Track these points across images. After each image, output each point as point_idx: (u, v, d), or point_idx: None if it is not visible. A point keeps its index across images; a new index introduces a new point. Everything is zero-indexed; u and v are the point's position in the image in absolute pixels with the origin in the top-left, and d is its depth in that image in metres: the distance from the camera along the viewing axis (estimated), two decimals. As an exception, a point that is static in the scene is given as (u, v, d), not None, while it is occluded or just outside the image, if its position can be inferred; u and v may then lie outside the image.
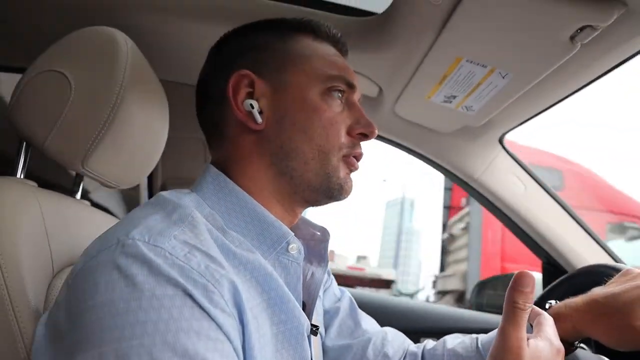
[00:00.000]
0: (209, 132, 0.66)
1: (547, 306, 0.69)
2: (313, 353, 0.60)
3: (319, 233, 0.68)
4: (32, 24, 0.97)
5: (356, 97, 0.67)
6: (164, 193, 0.57)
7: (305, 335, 0.57)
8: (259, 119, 0.60)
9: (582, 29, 0.69)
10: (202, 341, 0.42)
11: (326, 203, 0.64)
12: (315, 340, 0.66)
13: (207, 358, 0.41)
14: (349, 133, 0.63)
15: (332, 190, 0.62)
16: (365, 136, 0.64)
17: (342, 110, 0.63)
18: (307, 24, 0.65)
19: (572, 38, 0.71)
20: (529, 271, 0.49)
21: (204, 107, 0.66)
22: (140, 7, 0.91)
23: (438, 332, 1.37)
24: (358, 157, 0.64)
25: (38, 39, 0.82)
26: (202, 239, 0.49)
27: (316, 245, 0.68)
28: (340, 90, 0.63)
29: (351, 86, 0.65)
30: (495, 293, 1.67)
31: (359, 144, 0.64)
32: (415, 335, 1.37)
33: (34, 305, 0.56)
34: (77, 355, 0.41)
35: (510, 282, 0.50)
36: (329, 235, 0.68)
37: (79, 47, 0.71)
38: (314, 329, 0.60)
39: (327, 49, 0.66)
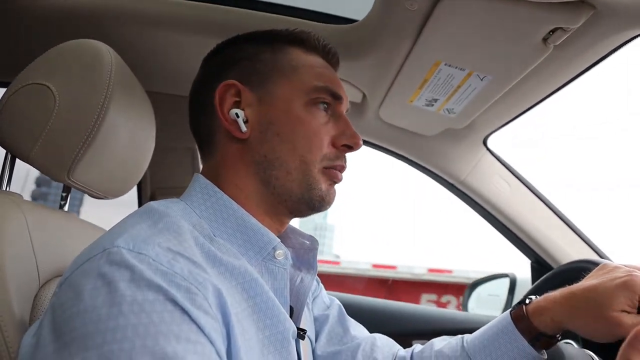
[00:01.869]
0: (200, 141, 0.67)
1: (527, 301, 0.70)
2: (302, 357, 0.60)
3: (307, 242, 0.70)
4: (16, 38, 0.98)
5: (344, 108, 0.68)
6: (152, 203, 0.58)
7: (291, 339, 0.57)
8: (243, 127, 0.61)
9: (553, 31, 0.71)
10: (182, 344, 0.42)
11: (309, 214, 0.65)
12: (304, 345, 0.66)
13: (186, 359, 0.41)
14: (333, 144, 0.64)
15: (313, 201, 0.62)
16: (350, 147, 0.65)
17: (327, 122, 0.64)
18: (297, 35, 0.67)
19: (544, 40, 0.73)
20: None
21: (195, 117, 0.67)
22: (125, 20, 0.92)
23: (429, 334, 1.38)
24: (340, 170, 0.65)
25: (22, 53, 0.83)
26: (186, 246, 0.50)
27: (305, 253, 0.69)
28: (325, 102, 0.64)
29: (337, 97, 0.65)
30: (486, 294, 1.68)
31: (343, 156, 0.65)
32: (406, 337, 1.37)
33: (19, 316, 0.56)
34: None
35: (628, 339, 0.46)
36: (317, 244, 0.70)
37: (63, 60, 0.72)
38: (301, 332, 0.61)
39: (315, 60, 0.67)
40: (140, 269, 0.44)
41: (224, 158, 0.63)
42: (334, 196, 0.65)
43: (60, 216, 0.76)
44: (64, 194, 0.86)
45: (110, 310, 0.42)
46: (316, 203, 0.63)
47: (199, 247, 0.53)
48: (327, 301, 0.85)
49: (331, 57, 0.70)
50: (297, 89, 0.63)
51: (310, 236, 0.70)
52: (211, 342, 0.45)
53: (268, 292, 0.56)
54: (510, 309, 0.72)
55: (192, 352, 0.42)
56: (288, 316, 0.58)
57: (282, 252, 0.60)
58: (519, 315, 0.69)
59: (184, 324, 0.43)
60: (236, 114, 0.61)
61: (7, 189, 0.72)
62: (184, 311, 0.44)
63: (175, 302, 0.44)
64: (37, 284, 0.63)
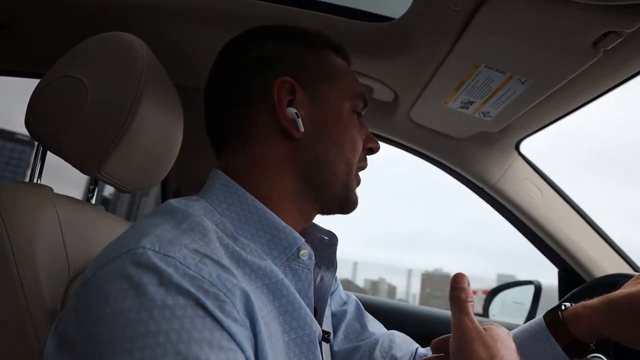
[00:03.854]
0: (227, 134, 0.64)
1: (562, 308, 0.67)
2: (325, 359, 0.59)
3: (326, 237, 0.68)
4: (49, 31, 0.98)
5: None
6: (172, 201, 0.56)
7: (317, 342, 0.56)
8: (302, 127, 0.60)
9: (605, 34, 0.67)
10: (214, 351, 0.41)
11: (336, 213, 0.67)
12: (326, 347, 0.65)
13: None
14: (362, 148, 0.67)
15: (348, 202, 0.65)
16: (372, 151, 0.69)
17: (359, 126, 0.66)
18: (332, 39, 0.67)
19: (595, 44, 0.69)
20: (461, 272, 0.57)
21: (223, 108, 0.64)
22: (156, 13, 0.91)
23: (435, 336, 1.35)
24: (363, 169, 0.69)
25: (55, 45, 0.83)
26: (212, 248, 0.49)
27: (324, 249, 0.67)
28: (358, 107, 0.66)
29: (367, 104, 0.69)
30: (509, 300, 1.65)
31: (366, 158, 0.69)
32: (424, 340, 1.35)
33: (50, 309, 0.56)
34: None
35: (451, 284, 0.56)
36: (337, 240, 0.67)
37: (96, 52, 0.71)
38: (326, 335, 0.60)
39: (348, 67, 0.68)
40: (168, 273, 0.43)
41: (265, 154, 0.61)
42: (358, 198, 0.67)
43: (89, 209, 0.75)
44: (91, 187, 0.86)
45: (140, 315, 0.41)
46: (350, 204, 0.65)
47: (224, 247, 0.51)
48: (344, 297, 0.84)
49: (351, 64, 0.72)
50: (344, 93, 0.64)
51: (330, 231, 0.68)
52: (242, 350, 0.44)
53: (294, 294, 0.54)
54: (544, 315, 0.70)
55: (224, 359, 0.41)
56: (314, 318, 0.56)
57: (307, 252, 0.59)
58: (554, 320, 0.67)
59: (215, 331, 0.42)
60: (296, 113, 0.60)
61: (39, 182, 0.72)
62: (215, 319, 0.43)
63: (205, 309, 0.42)
64: (68, 277, 0.63)
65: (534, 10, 0.66)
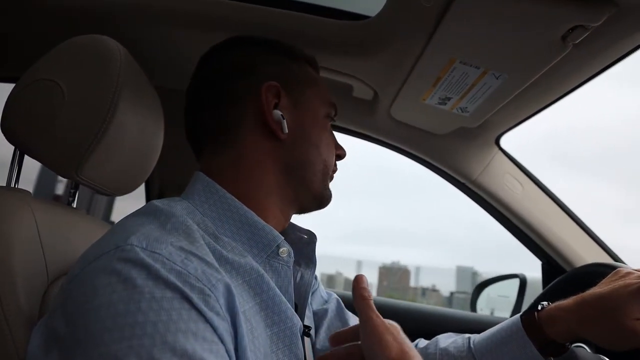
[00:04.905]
0: (208, 135, 0.66)
1: (539, 307, 0.69)
2: (306, 354, 0.60)
3: (305, 236, 0.70)
4: (25, 34, 0.97)
5: None
6: (155, 202, 0.58)
7: (299, 335, 0.58)
8: (286, 129, 0.64)
9: (573, 29, 0.69)
10: (199, 342, 0.43)
11: (313, 210, 0.71)
12: (307, 341, 0.66)
13: (205, 358, 0.42)
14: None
15: (324, 199, 0.70)
16: (340, 157, 0.74)
17: (330, 132, 0.73)
18: (308, 54, 0.74)
19: (563, 38, 0.71)
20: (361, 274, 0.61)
21: (206, 110, 0.66)
22: (134, 15, 0.91)
23: (435, 333, 1.37)
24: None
25: (31, 49, 0.83)
26: (197, 246, 0.50)
27: (303, 247, 0.69)
28: (331, 117, 0.72)
29: (337, 112, 0.74)
30: (495, 294, 1.66)
31: (336, 163, 0.74)
32: (412, 337, 1.36)
33: (27, 313, 0.56)
34: (77, 357, 0.42)
35: (353, 284, 0.59)
36: (316, 238, 0.70)
37: (72, 55, 0.71)
38: (306, 329, 0.61)
39: (320, 78, 0.74)
40: (156, 268, 0.45)
41: (249, 154, 0.64)
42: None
43: (68, 213, 0.75)
44: (72, 191, 0.86)
45: (128, 306, 0.42)
46: (325, 201, 0.70)
47: (206, 246, 0.52)
48: (325, 296, 0.86)
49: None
50: (321, 100, 0.70)
51: (309, 230, 0.71)
52: (223, 343, 0.46)
53: (275, 289, 0.56)
54: (521, 314, 0.72)
55: (208, 351, 0.43)
56: (295, 312, 0.58)
57: (286, 250, 0.61)
58: (530, 321, 0.70)
59: (200, 323, 0.44)
60: (281, 115, 0.63)
61: (16, 186, 0.72)
62: (199, 312, 0.44)
63: (191, 302, 0.44)
64: (46, 281, 0.62)
65: (503, 5, 0.67)
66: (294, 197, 0.66)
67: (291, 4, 0.88)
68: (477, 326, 1.42)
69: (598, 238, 1.26)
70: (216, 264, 0.50)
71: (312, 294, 0.83)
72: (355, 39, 0.88)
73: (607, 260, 1.23)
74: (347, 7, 0.88)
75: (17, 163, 0.72)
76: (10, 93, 0.69)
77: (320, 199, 0.69)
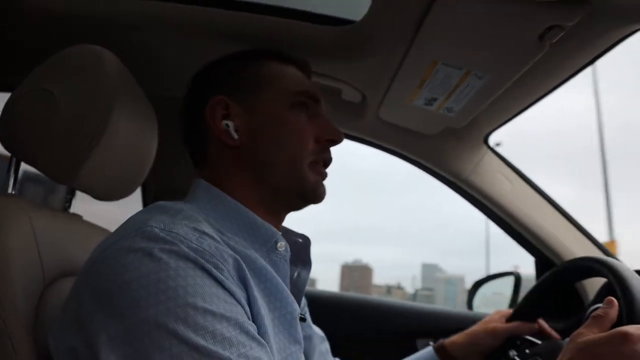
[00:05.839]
0: (195, 152, 0.75)
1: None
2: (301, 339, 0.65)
3: (300, 240, 0.74)
4: (20, 44, 1.00)
5: (323, 108, 0.76)
6: (161, 202, 0.63)
7: (297, 319, 0.63)
8: (234, 135, 0.68)
9: (549, 28, 0.71)
10: (222, 303, 0.49)
11: (305, 206, 0.73)
12: (302, 326, 0.71)
13: (230, 316, 0.49)
14: (317, 141, 0.71)
15: (306, 194, 0.70)
16: (334, 141, 0.73)
17: (309, 122, 0.72)
18: (272, 49, 0.77)
19: (541, 38, 0.73)
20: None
21: (188, 132, 0.75)
22: (126, 25, 0.93)
23: (433, 332, 1.39)
24: (327, 162, 0.74)
25: (27, 59, 0.85)
26: (207, 229, 0.57)
27: (299, 250, 0.73)
28: (305, 104, 0.72)
29: (316, 100, 0.74)
30: (490, 292, 1.68)
31: (328, 150, 0.73)
32: (410, 336, 1.38)
33: (23, 316, 0.58)
34: (116, 324, 0.46)
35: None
36: (310, 241, 0.74)
37: (66, 65, 0.73)
38: (302, 316, 0.66)
39: (290, 69, 0.75)
40: (175, 244, 0.51)
41: (220, 165, 0.70)
42: (324, 190, 0.73)
43: (65, 218, 0.77)
44: (68, 197, 0.88)
45: (158, 276, 0.48)
46: (309, 195, 0.71)
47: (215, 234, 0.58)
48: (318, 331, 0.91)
49: (303, 65, 0.79)
50: (278, 95, 0.71)
51: (303, 235, 0.75)
52: (242, 306, 0.53)
53: (276, 277, 0.61)
54: (432, 344, 1.00)
55: (230, 311, 0.50)
56: (294, 298, 0.63)
57: (283, 245, 0.66)
58: (440, 347, 0.99)
59: (220, 289, 0.51)
60: (226, 124, 0.68)
61: (13, 192, 0.74)
62: (217, 280, 0.51)
63: (209, 273, 0.51)
64: (42, 284, 0.64)
65: (481, 6, 0.69)
66: (273, 196, 0.70)
67: (278, 11, 0.90)
68: (474, 324, 1.45)
69: (588, 233, 1.28)
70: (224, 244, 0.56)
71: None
72: (341, 44, 0.91)
73: (598, 254, 1.25)
74: (333, 12, 0.90)
75: (13, 170, 0.74)
76: (7, 102, 0.71)
77: (302, 195, 0.70)
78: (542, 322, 0.92)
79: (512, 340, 0.95)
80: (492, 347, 0.95)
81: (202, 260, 0.51)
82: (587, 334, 0.53)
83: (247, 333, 0.50)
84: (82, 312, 0.50)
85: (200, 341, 0.45)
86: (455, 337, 0.98)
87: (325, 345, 0.88)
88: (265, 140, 0.69)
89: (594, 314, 0.56)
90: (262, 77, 0.72)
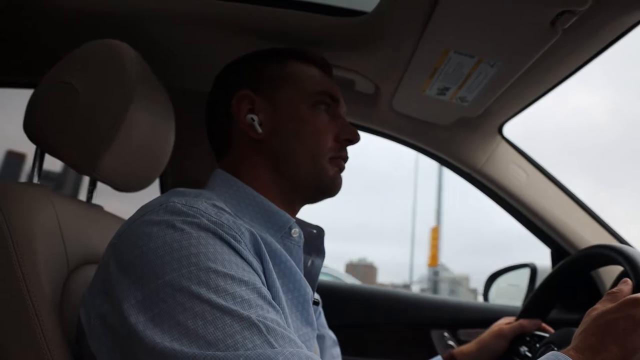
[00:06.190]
0: (217, 144, 0.78)
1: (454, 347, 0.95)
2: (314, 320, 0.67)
3: (315, 230, 0.76)
4: (42, 42, 1.03)
5: (341, 109, 0.80)
6: (179, 189, 0.66)
7: (310, 302, 0.65)
8: (258, 129, 0.72)
9: (561, 13, 0.71)
10: (240, 270, 0.53)
11: (321, 199, 0.77)
12: (315, 310, 0.73)
13: (249, 280, 0.52)
14: (336, 139, 0.75)
15: (323, 187, 0.74)
16: (351, 141, 0.77)
17: (329, 121, 0.76)
18: (295, 49, 0.80)
19: (552, 23, 0.73)
20: None
21: (212, 124, 0.79)
22: (145, 19, 0.95)
23: (446, 323, 1.39)
24: (344, 159, 0.77)
25: (49, 54, 0.88)
26: (225, 208, 0.61)
27: (313, 240, 0.75)
28: (326, 104, 0.76)
29: (335, 100, 0.78)
30: (505, 284, 1.67)
31: (345, 149, 0.77)
32: (424, 327, 1.39)
33: (50, 300, 0.60)
34: (143, 288, 0.50)
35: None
36: (324, 232, 0.76)
37: (86, 59, 0.76)
38: (315, 300, 0.69)
39: (312, 70, 0.79)
40: (197, 217, 0.55)
41: (242, 156, 0.74)
42: (341, 181, 0.77)
43: (87, 208, 0.80)
44: (90, 187, 0.91)
45: (181, 243, 0.52)
46: (326, 188, 0.75)
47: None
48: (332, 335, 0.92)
49: (325, 67, 0.82)
50: (301, 94, 0.75)
51: (317, 226, 0.77)
52: (258, 275, 0.56)
53: (290, 261, 0.64)
54: (441, 354, 0.99)
55: (247, 275, 0.53)
56: (307, 283, 0.65)
57: (297, 231, 0.69)
58: (449, 357, 0.98)
59: (238, 258, 0.54)
60: (252, 118, 0.72)
61: (38, 181, 0.77)
62: (236, 251, 0.55)
63: (229, 244, 0.54)
64: (66, 270, 0.67)
65: None
66: (291, 188, 0.73)
67: (292, 4, 0.92)
68: (490, 315, 1.44)
69: (604, 222, 1.27)
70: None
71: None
72: (353, 35, 0.92)
73: (613, 242, 1.24)
74: (344, 3, 0.92)
75: (38, 161, 0.76)
76: (32, 95, 0.74)
77: (319, 187, 0.74)
78: (545, 325, 0.97)
79: (521, 338, 0.96)
80: (501, 351, 0.96)
81: (221, 231, 0.55)
82: (601, 308, 0.55)
83: (264, 297, 0.52)
84: (110, 280, 0.53)
85: (222, 301, 0.48)
86: (464, 347, 0.99)
87: (337, 350, 0.89)
88: (287, 136, 0.72)
89: (608, 291, 0.57)
90: (286, 75, 0.76)
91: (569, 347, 0.53)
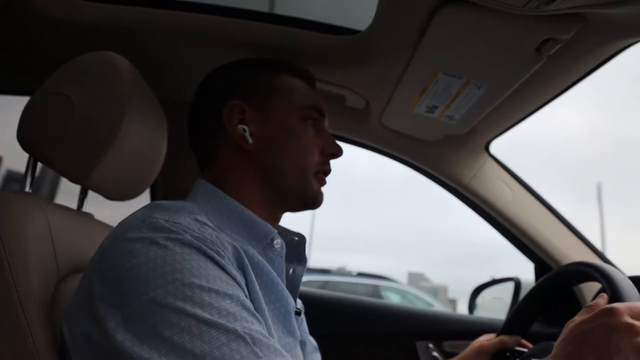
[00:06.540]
0: (203, 153, 0.78)
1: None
2: (296, 330, 0.68)
3: (296, 238, 0.77)
4: (38, 51, 1.03)
5: (326, 123, 0.81)
6: (159, 202, 0.65)
7: (292, 313, 0.66)
8: (249, 140, 0.72)
9: (546, 41, 0.74)
10: (224, 284, 0.53)
11: (302, 210, 0.78)
12: (297, 320, 0.74)
13: (232, 294, 0.53)
14: (322, 153, 0.76)
15: (307, 199, 0.75)
16: (334, 155, 0.78)
17: (315, 135, 0.77)
18: (285, 62, 0.80)
19: (538, 50, 0.76)
20: None
21: (198, 132, 0.78)
22: (139, 33, 0.97)
23: (433, 335, 1.41)
24: (327, 173, 0.79)
25: (44, 64, 0.88)
26: (207, 222, 0.61)
27: (295, 247, 0.76)
28: (313, 118, 0.77)
29: (322, 114, 0.79)
30: (490, 297, 1.69)
31: (329, 162, 0.79)
32: (410, 337, 1.40)
33: (41, 305, 0.61)
34: (128, 305, 0.50)
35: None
36: (305, 239, 0.77)
37: (81, 70, 0.77)
38: (297, 310, 0.70)
39: (301, 83, 0.79)
40: (180, 233, 0.55)
41: (230, 166, 0.74)
42: (323, 197, 0.78)
43: (78, 216, 0.81)
44: (81, 196, 0.91)
45: (165, 260, 0.52)
46: (310, 201, 0.76)
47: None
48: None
49: (311, 80, 0.83)
50: (291, 107, 0.75)
51: (299, 233, 0.78)
52: (241, 288, 0.57)
53: (272, 272, 0.64)
54: None
55: (232, 290, 0.54)
56: (289, 293, 0.66)
57: (279, 242, 0.69)
58: None
59: (222, 273, 0.55)
60: (243, 129, 0.72)
61: (30, 190, 0.77)
62: (219, 266, 0.55)
63: (212, 259, 0.55)
64: (56, 278, 0.67)
65: (481, 19, 0.72)
66: (276, 198, 0.74)
67: (286, 20, 0.94)
68: (477, 328, 1.46)
69: (587, 239, 1.30)
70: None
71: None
72: (346, 52, 0.94)
73: (596, 260, 1.27)
74: (339, 21, 0.94)
75: (31, 170, 0.77)
76: (26, 105, 0.75)
77: (304, 200, 0.75)
78: (525, 342, 0.98)
79: (501, 353, 0.98)
80: None
81: (205, 247, 0.55)
82: (579, 319, 0.57)
83: (248, 310, 0.53)
84: (94, 299, 0.53)
85: (207, 315, 0.49)
86: None
87: (318, 356, 0.90)
88: (276, 148, 0.73)
89: (586, 305, 0.60)
90: (277, 87, 0.76)
91: (548, 357, 0.55)
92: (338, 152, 0.78)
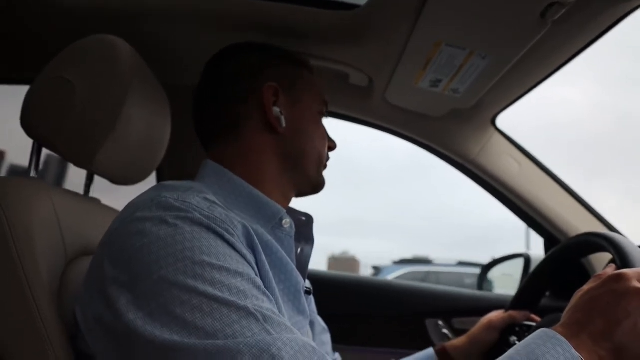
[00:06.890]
0: (219, 129, 0.75)
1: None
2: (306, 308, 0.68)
3: (304, 218, 0.77)
4: (37, 38, 1.03)
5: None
6: (167, 182, 0.65)
7: (302, 292, 0.66)
8: (284, 123, 0.73)
9: (550, 5, 0.72)
10: (234, 262, 0.53)
11: (309, 195, 0.82)
12: (308, 299, 0.75)
13: (243, 272, 0.53)
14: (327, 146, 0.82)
15: (319, 185, 0.80)
16: (331, 149, 0.84)
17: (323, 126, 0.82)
18: (303, 59, 0.84)
19: (542, 15, 0.74)
20: None
21: (217, 107, 0.76)
22: (140, 15, 0.96)
23: (441, 312, 1.41)
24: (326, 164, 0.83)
25: (45, 50, 0.88)
26: (216, 202, 0.61)
27: (302, 227, 0.76)
28: (323, 113, 0.81)
29: (328, 109, 0.84)
30: (500, 274, 1.70)
31: (328, 155, 0.84)
32: (420, 316, 1.41)
33: (50, 288, 0.61)
34: (138, 284, 0.50)
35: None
36: (313, 219, 0.78)
37: (82, 54, 0.76)
38: (307, 289, 0.70)
39: (317, 80, 0.84)
40: (190, 212, 0.55)
41: (253, 145, 0.73)
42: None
43: (84, 201, 0.81)
44: (87, 182, 0.91)
45: (175, 238, 0.52)
46: (319, 187, 0.81)
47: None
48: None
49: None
50: (315, 99, 0.80)
51: (306, 213, 0.78)
52: (251, 267, 0.57)
53: (282, 251, 0.65)
54: (433, 347, 1.00)
55: (242, 267, 0.54)
56: (298, 272, 0.67)
57: (288, 221, 0.70)
58: (441, 350, 0.98)
59: (232, 251, 0.55)
60: (280, 111, 0.73)
61: (36, 176, 0.78)
62: (229, 244, 0.55)
63: (222, 237, 0.55)
64: (64, 261, 0.68)
65: None
66: (293, 182, 0.76)
67: (284, -3, 0.92)
68: (485, 304, 1.46)
69: (596, 211, 1.28)
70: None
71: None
72: (346, 28, 0.92)
73: (604, 230, 1.26)
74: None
75: (35, 155, 0.77)
76: (28, 91, 0.75)
77: (315, 185, 0.80)
78: (534, 316, 0.98)
79: (511, 328, 0.97)
80: (492, 342, 0.97)
81: (214, 225, 0.55)
82: (587, 287, 0.57)
83: (259, 288, 0.53)
84: (105, 281, 0.53)
85: (218, 293, 0.49)
86: (456, 340, 1.02)
87: (327, 337, 0.90)
88: (304, 135, 0.76)
89: (595, 275, 0.59)
90: (303, 80, 0.80)
91: (556, 325, 0.55)
92: (334, 146, 0.85)
